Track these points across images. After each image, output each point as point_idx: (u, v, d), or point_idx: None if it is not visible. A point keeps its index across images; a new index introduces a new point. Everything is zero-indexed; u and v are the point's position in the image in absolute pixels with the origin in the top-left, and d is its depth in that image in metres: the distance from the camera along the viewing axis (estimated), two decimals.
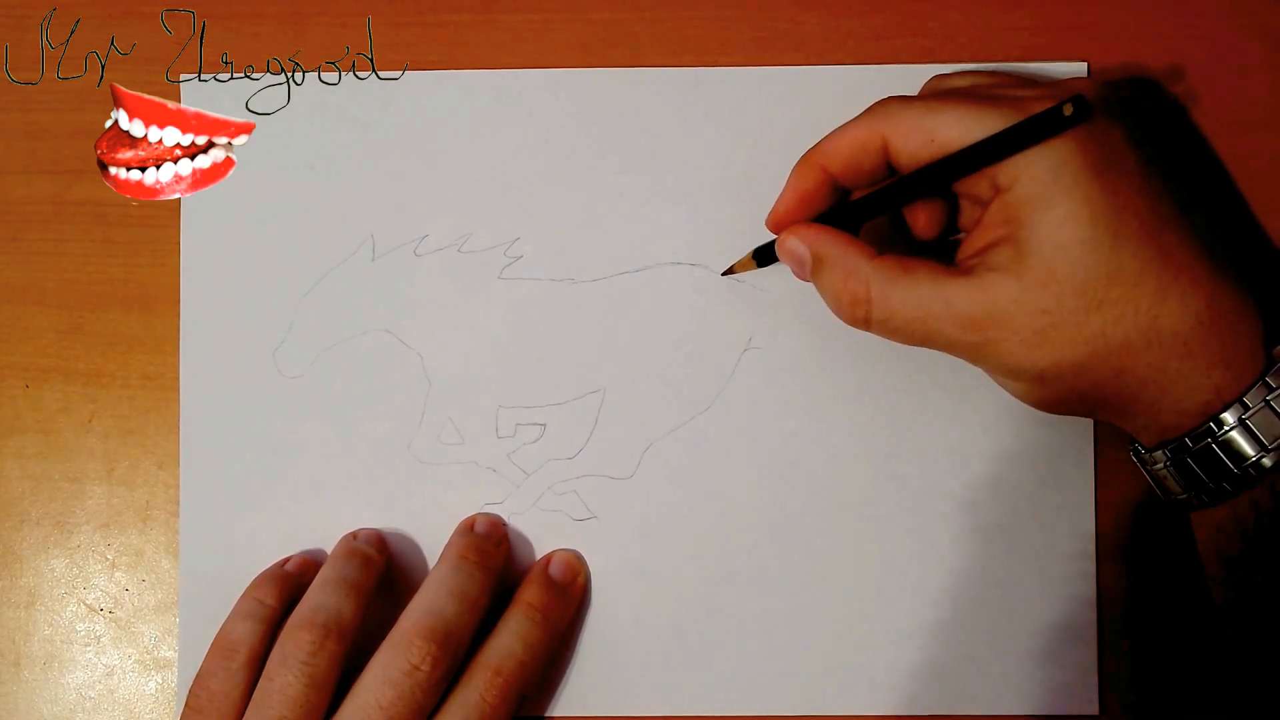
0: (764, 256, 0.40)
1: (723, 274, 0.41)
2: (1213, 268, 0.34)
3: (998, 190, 0.35)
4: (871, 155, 0.36)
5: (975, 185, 0.36)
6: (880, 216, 0.39)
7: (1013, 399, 0.37)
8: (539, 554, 0.42)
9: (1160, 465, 0.36)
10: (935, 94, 0.38)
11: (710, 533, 0.41)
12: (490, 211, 0.42)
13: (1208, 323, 0.34)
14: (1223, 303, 0.34)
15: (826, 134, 0.37)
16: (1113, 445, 0.41)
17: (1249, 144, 0.42)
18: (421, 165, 0.42)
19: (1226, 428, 0.34)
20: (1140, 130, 0.35)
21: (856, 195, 0.38)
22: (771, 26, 0.43)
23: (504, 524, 0.42)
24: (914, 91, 0.40)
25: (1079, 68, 0.42)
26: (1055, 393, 0.36)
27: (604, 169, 0.42)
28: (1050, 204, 0.33)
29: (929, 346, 0.36)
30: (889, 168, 0.37)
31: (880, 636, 0.41)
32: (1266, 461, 0.34)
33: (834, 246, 0.37)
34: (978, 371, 0.37)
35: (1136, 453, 0.37)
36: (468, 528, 0.41)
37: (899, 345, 0.37)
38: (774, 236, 0.39)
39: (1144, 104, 0.40)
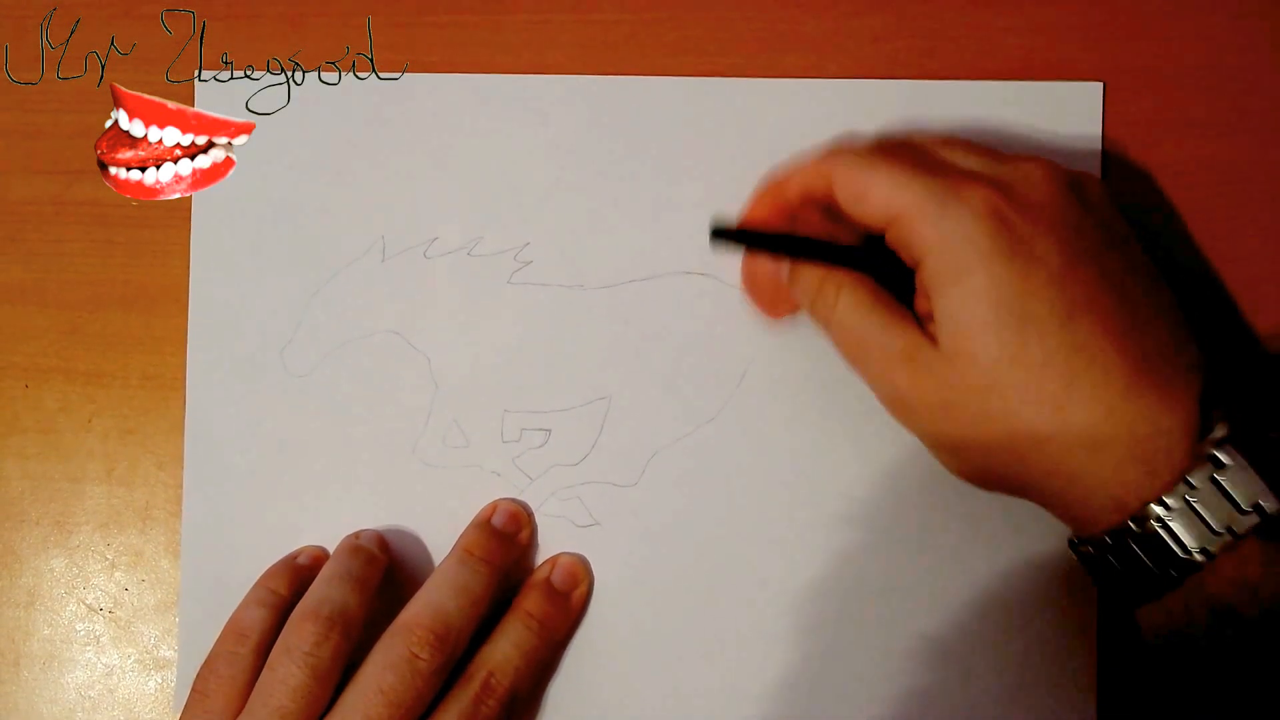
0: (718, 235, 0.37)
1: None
2: (1138, 359, 0.32)
3: (918, 263, 0.34)
4: (818, 195, 0.37)
5: (903, 254, 0.35)
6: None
7: None
8: (541, 559, 0.42)
9: (1084, 558, 0.35)
10: (880, 148, 0.36)
11: (713, 542, 0.41)
12: (501, 216, 0.42)
13: (1121, 415, 0.32)
14: (1144, 395, 0.32)
15: (791, 158, 0.38)
16: None
17: (1273, 158, 0.42)
18: (434, 168, 0.42)
19: (1145, 527, 0.32)
20: (1076, 222, 0.34)
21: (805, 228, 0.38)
22: (771, 27, 0.43)
23: (527, 513, 0.42)
24: (919, 108, 0.40)
25: (1094, 88, 0.42)
26: (970, 467, 0.35)
27: (615, 176, 0.42)
28: (956, 281, 0.33)
29: (860, 374, 0.36)
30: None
31: (882, 650, 0.41)
32: (1203, 554, 0.32)
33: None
34: None
35: (1069, 542, 0.36)
36: (483, 520, 0.41)
37: None
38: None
39: (1093, 197, 0.35)
